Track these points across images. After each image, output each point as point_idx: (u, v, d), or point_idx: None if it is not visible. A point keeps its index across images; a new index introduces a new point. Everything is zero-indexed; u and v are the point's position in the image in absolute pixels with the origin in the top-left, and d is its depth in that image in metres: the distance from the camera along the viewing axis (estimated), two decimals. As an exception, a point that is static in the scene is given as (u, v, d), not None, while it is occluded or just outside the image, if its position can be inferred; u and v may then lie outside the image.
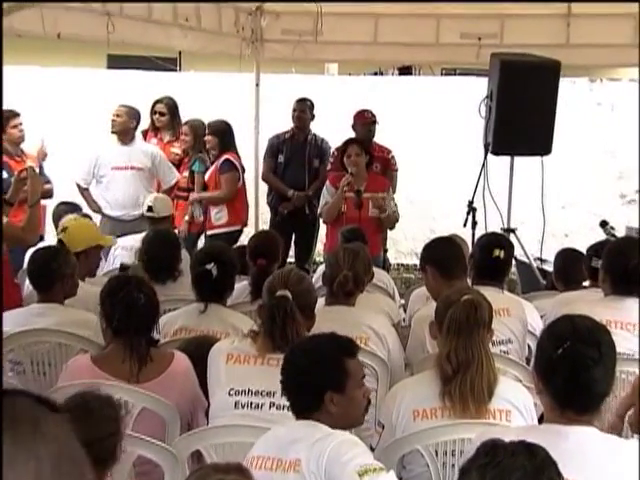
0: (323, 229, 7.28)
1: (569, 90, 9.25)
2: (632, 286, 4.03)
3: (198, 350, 3.55)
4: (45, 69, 10.26)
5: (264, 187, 8.29)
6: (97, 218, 6.93)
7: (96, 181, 7.27)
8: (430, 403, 3.09)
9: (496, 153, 6.91)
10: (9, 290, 4.49)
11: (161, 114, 7.76)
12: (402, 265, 10.31)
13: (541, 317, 4.56)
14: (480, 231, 6.34)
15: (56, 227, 5.98)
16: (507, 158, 7.17)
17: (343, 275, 4.05)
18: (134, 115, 7.27)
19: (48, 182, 6.96)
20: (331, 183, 6.68)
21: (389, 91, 10.46)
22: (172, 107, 7.80)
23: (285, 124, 8.00)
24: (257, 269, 4.80)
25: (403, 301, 5.59)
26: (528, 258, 6.98)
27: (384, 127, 7.89)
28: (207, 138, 7.31)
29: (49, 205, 6.68)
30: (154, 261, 4.93)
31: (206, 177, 7.35)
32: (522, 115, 6.68)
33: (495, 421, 3.03)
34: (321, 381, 2.70)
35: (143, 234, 5.51)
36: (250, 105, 8.62)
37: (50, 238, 6.17)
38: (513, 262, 5.18)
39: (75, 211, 6.10)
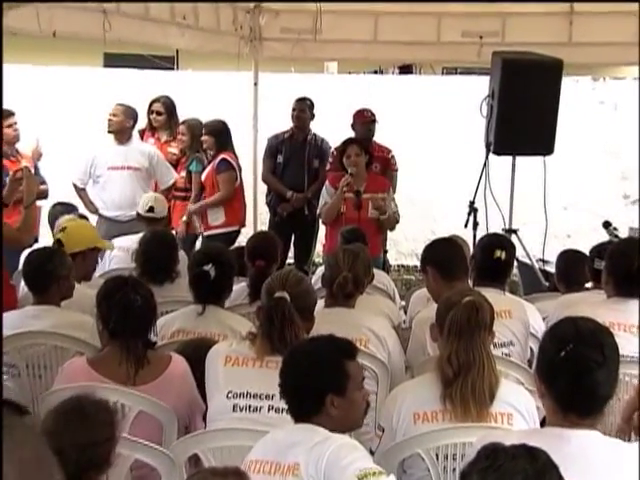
0: (322, 230, 7.28)
1: (571, 89, 9.25)
2: (635, 288, 4.03)
3: (196, 352, 3.55)
4: (40, 68, 10.26)
5: (262, 187, 8.29)
6: (93, 219, 6.92)
7: (93, 181, 7.27)
8: (431, 406, 3.09)
9: (498, 153, 6.91)
10: (4, 292, 4.49)
11: (158, 113, 7.76)
12: (402, 266, 10.31)
13: (543, 319, 4.56)
14: (481, 232, 6.34)
15: (52, 228, 5.98)
16: (509, 158, 7.17)
17: (343, 276, 4.05)
18: (131, 114, 7.27)
19: (43, 183, 6.96)
20: (330, 183, 6.68)
21: (389, 90, 10.47)
22: (169, 106, 7.80)
23: (284, 124, 8.00)
24: (255, 270, 4.81)
25: (403, 303, 5.59)
26: (530, 259, 6.99)
27: (384, 126, 7.89)
28: (204, 138, 7.31)
29: (44, 206, 6.69)
30: (151, 262, 4.93)
31: (203, 177, 7.35)
32: (524, 114, 6.69)
33: (497, 424, 3.03)
34: (322, 384, 2.71)
35: (139, 235, 5.51)
36: (248, 104, 8.62)
37: (45, 239, 6.17)
38: (515, 263, 5.19)
39: (71, 212, 6.10)
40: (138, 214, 6.39)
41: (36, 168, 6.94)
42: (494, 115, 6.74)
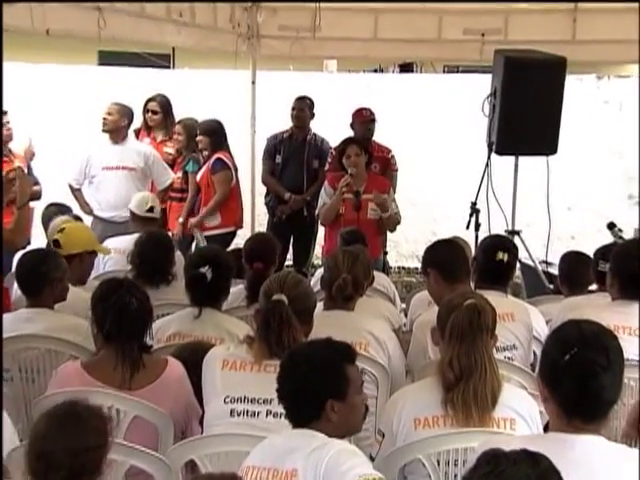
0: (322, 231, 7.28)
1: (575, 88, 9.26)
2: (641, 290, 4.04)
3: (192, 356, 3.55)
4: (33, 66, 10.25)
5: (260, 188, 8.30)
6: (87, 220, 6.91)
7: (88, 182, 7.27)
8: (432, 411, 3.09)
9: (500, 153, 6.92)
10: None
11: (154, 112, 7.76)
12: (403, 268, 10.31)
13: (547, 322, 4.56)
14: (483, 233, 6.34)
15: (45, 229, 5.98)
16: (511, 158, 7.18)
17: (342, 279, 4.05)
18: (126, 113, 7.27)
19: (36, 183, 6.95)
20: (329, 184, 6.67)
21: (389, 89, 10.47)
22: (165, 105, 7.79)
23: (282, 123, 7.99)
24: (253, 273, 4.81)
25: (404, 305, 5.59)
26: (533, 261, 6.99)
27: (384, 126, 7.89)
28: (199, 138, 7.30)
29: (37, 207, 6.68)
30: (147, 264, 4.93)
31: (198, 178, 7.35)
32: (527, 114, 6.69)
33: (499, 430, 3.03)
34: (322, 389, 2.71)
35: (134, 236, 5.51)
36: (246, 103, 8.62)
37: (39, 241, 6.17)
38: (517, 265, 5.19)
39: (65, 213, 6.10)
40: (134, 214, 6.33)
41: (29, 168, 6.94)
42: (496, 114, 6.75)
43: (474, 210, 6.77)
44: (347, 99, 8.85)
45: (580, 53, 7.81)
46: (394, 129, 8.78)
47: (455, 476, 3.04)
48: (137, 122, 7.68)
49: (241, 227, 7.62)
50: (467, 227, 6.78)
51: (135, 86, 9.20)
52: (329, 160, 7.52)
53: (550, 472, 1.94)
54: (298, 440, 2.66)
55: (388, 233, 7.18)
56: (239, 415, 3.21)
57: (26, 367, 4.06)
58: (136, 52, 10.62)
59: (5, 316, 4.22)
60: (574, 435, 2.42)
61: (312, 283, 4.98)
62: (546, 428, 2.83)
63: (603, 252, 4.69)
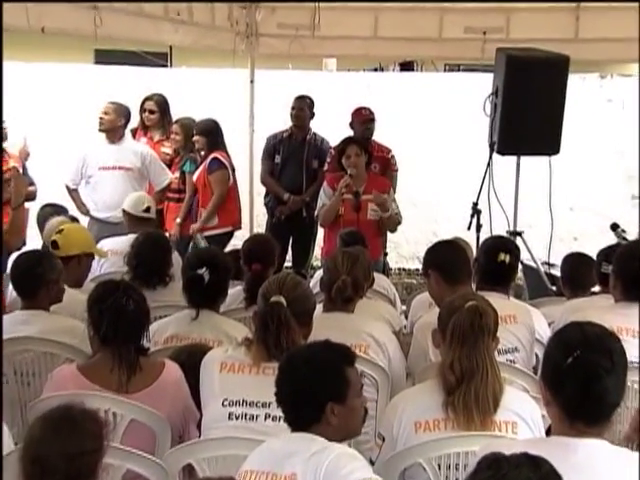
0: (321, 232, 7.28)
1: (578, 86, 9.26)
2: (644, 292, 4.04)
3: (190, 359, 3.56)
4: (29, 64, 10.26)
5: (259, 188, 8.30)
6: (83, 221, 6.91)
7: (85, 182, 7.27)
8: (433, 414, 3.09)
9: (502, 153, 6.92)
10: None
11: (151, 112, 7.76)
12: (403, 270, 10.31)
13: (549, 324, 4.56)
14: (485, 234, 6.35)
15: (41, 230, 5.98)
16: (513, 158, 7.18)
17: (342, 280, 4.05)
18: (123, 113, 7.27)
19: (32, 183, 6.95)
20: (328, 184, 6.67)
21: (390, 88, 10.47)
22: (162, 105, 7.79)
23: (281, 123, 8.00)
24: (252, 274, 4.81)
25: (404, 307, 5.59)
26: (535, 262, 6.99)
27: (384, 125, 7.89)
28: (195, 138, 7.30)
29: (33, 208, 6.68)
30: (144, 265, 4.93)
31: (194, 178, 7.34)
32: (529, 113, 6.70)
33: (501, 433, 3.04)
34: (322, 392, 2.71)
35: (130, 237, 5.51)
36: (244, 103, 8.62)
37: (34, 242, 6.16)
38: (519, 267, 5.19)
39: (61, 213, 6.11)
40: (130, 215, 6.29)
41: (24, 168, 6.94)
42: (498, 114, 6.75)
43: (475, 211, 6.77)
44: (347, 98, 8.85)
45: (583, 51, 7.81)
46: (394, 129, 8.78)
47: (456, 480, 3.05)
48: (134, 122, 7.68)
49: (240, 228, 7.62)
50: (468, 228, 6.78)
51: (132, 85, 9.21)
52: (328, 160, 7.52)
53: (551, 476, 1.94)
54: (297, 444, 2.66)
55: (388, 234, 7.18)
56: (237, 418, 3.21)
57: (21, 370, 4.06)
58: (133, 50, 10.60)
59: (0, 318, 4.23)
60: (577, 439, 2.42)
61: (311, 285, 4.98)
62: (548, 432, 2.83)
63: (606, 253, 4.70)
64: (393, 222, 6.69)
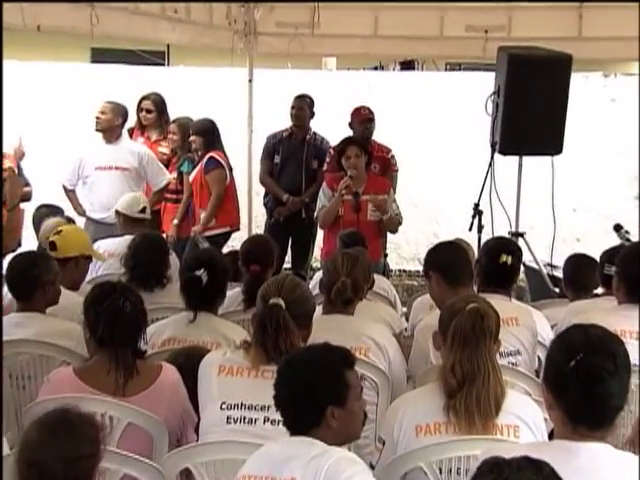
0: (321, 233, 7.28)
1: (581, 86, 9.27)
2: (648, 294, 4.04)
3: (188, 362, 3.56)
4: (24, 63, 10.26)
5: (258, 189, 8.30)
6: (79, 222, 6.91)
7: (82, 182, 7.27)
8: (434, 418, 3.09)
9: (504, 153, 6.92)
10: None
11: (148, 111, 7.76)
12: (404, 271, 10.32)
13: (552, 327, 4.56)
14: (486, 235, 6.36)
15: (36, 231, 5.98)
16: (515, 158, 7.18)
17: (341, 282, 4.06)
18: (120, 112, 7.27)
19: (27, 184, 6.95)
20: (328, 185, 6.67)
21: (390, 87, 10.48)
22: (159, 104, 7.79)
23: (280, 122, 8.00)
24: (250, 276, 4.81)
25: (405, 310, 5.60)
26: (538, 264, 7.00)
27: (384, 125, 7.89)
28: (192, 138, 7.30)
29: (28, 208, 6.68)
30: (141, 267, 4.93)
31: (190, 178, 7.34)
32: (531, 112, 6.70)
33: (503, 437, 3.04)
34: (322, 395, 2.71)
35: (126, 238, 5.51)
36: (243, 102, 8.62)
37: (30, 243, 6.16)
38: (522, 268, 5.19)
39: (57, 214, 6.10)
40: (125, 216, 6.27)
41: (19, 168, 6.93)
42: (500, 113, 6.76)
43: (477, 211, 6.77)
44: (347, 98, 8.86)
45: (586, 50, 7.82)
46: (394, 128, 8.78)
47: (457, 484, 3.05)
48: (131, 121, 7.68)
49: (238, 229, 7.61)
50: (470, 229, 6.78)
51: (129, 84, 9.21)
52: (327, 160, 7.52)
53: (552, 478, 1.95)
54: (296, 448, 2.66)
55: (389, 235, 7.18)
56: (236, 422, 3.21)
57: (17, 373, 4.06)
58: (130, 49, 10.64)
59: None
60: (580, 442, 2.42)
61: (311, 286, 4.97)
62: (551, 435, 2.83)
63: (609, 255, 4.70)
64: (393, 223, 6.69)
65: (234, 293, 4.82)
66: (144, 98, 7.81)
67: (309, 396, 2.70)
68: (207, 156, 7.25)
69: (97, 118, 7.21)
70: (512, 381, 3.69)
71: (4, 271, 4.46)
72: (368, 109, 7.59)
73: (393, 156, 7.63)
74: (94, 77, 10.10)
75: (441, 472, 3.05)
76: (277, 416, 2.90)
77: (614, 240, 6.48)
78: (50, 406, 2.73)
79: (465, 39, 8.11)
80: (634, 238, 6.65)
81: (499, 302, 3.71)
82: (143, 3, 7.05)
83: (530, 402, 3.22)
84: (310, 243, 7.93)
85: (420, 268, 6.87)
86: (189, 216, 7.44)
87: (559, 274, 6.16)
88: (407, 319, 5.21)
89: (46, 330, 4.14)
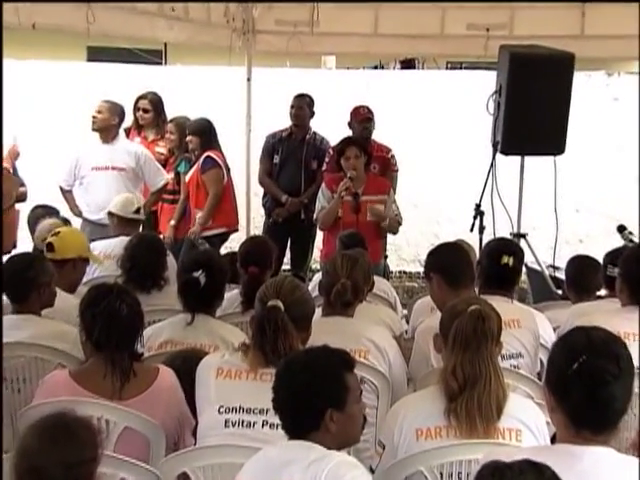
0: (320, 234, 7.29)
1: (584, 85, 9.27)
2: (652, 296, 4.04)
3: (185, 364, 3.56)
4: (19, 62, 10.26)
5: (256, 189, 8.30)
6: (76, 223, 6.91)
7: (79, 183, 7.26)
8: (434, 421, 3.09)
9: (505, 153, 6.93)
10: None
11: (145, 111, 7.76)
12: (404, 273, 10.32)
13: (554, 329, 4.56)
14: (488, 236, 6.36)
15: (32, 232, 5.98)
16: (517, 158, 7.19)
17: (341, 284, 4.06)
18: (117, 111, 7.26)
19: (22, 184, 6.95)
20: (327, 186, 6.67)
21: (390, 86, 10.48)
22: (157, 103, 7.80)
23: (278, 122, 7.99)
24: (249, 277, 4.81)
25: (405, 312, 5.60)
26: (540, 265, 7.00)
27: (384, 125, 7.89)
28: (188, 139, 7.30)
29: (23, 209, 6.69)
30: (138, 269, 4.93)
31: (187, 178, 7.34)
32: (533, 112, 6.70)
33: (504, 441, 3.04)
34: (322, 398, 2.70)
35: (122, 239, 5.51)
36: (241, 101, 8.62)
37: (25, 244, 6.17)
38: (524, 270, 5.20)
39: (53, 215, 6.10)
40: (119, 217, 6.24)
41: (14, 168, 6.94)
42: (501, 112, 6.76)
43: (478, 212, 6.77)
44: (346, 97, 8.86)
45: (589, 49, 7.82)
46: (395, 128, 8.78)
47: (459, 489, 3.05)
48: (128, 121, 7.68)
49: (236, 230, 7.61)
50: (471, 230, 6.78)
51: (125, 83, 9.21)
52: (327, 160, 7.51)
53: (554, 480, 1.96)
54: (295, 452, 2.66)
55: (389, 236, 7.18)
56: (234, 426, 3.21)
57: (12, 376, 4.05)
58: (126, 48, 10.64)
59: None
60: (583, 447, 2.42)
61: (310, 288, 4.98)
62: (553, 439, 2.84)
63: (613, 256, 4.70)
64: (392, 227, 6.71)
65: (232, 295, 4.83)
66: (141, 97, 7.81)
67: (308, 399, 2.70)
68: (204, 155, 7.25)
69: (93, 118, 7.20)
70: (514, 384, 3.70)
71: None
72: (367, 108, 7.58)
73: (393, 156, 7.62)
74: (90, 76, 10.09)
75: (442, 476, 3.05)
76: (276, 420, 2.90)
77: (617, 241, 6.48)
78: (46, 410, 2.73)
79: (466, 37, 8.11)
80: (638, 239, 6.66)
81: (501, 304, 3.71)
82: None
83: (532, 405, 3.22)
84: (309, 244, 7.93)
85: (421, 269, 6.87)
86: (186, 217, 7.43)
87: (562, 276, 6.16)
88: (407, 321, 5.22)
89: (41, 332, 4.14)
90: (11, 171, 6.13)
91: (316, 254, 8.02)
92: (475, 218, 6.78)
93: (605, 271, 4.74)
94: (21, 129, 7.81)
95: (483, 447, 2.90)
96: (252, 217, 8.69)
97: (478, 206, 6.79)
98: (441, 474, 3.05)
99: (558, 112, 6.81)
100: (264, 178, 7.93)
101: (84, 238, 5.37)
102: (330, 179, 6.76)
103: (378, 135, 7.66)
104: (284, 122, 7.91)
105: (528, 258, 6.11)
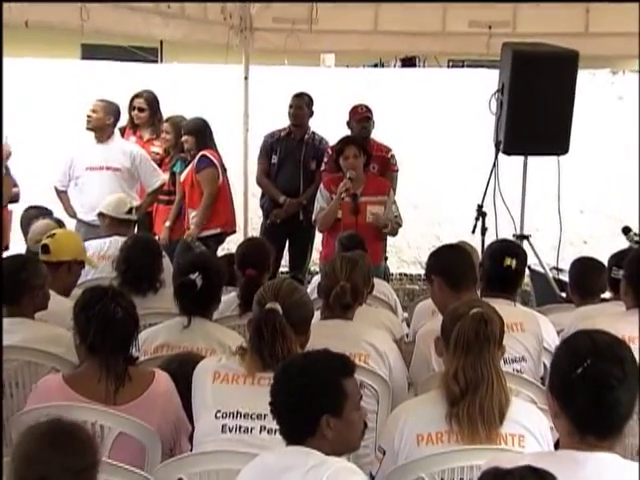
0: (319, 236, 7.28)
1: (588, 83, 9.28)
2: (657, 299, 4.04)
3: (181, 368, 3.55)
4: (12, 60, 10.25)
5: (253, 189, 8.30)
6: (70, 224, 6.91)
7: (74, 183, 7.26)
8: (436, 427, 3.09)
9: (508, 152, 6.92)
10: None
11: (140, 110, 7.76)
12: (405, 275, 10.33)
13: (558, 332, 4.56)
14: (490, 238, 6.35)
15: (24, 233, 5.98)
16: (520, 158, 7.19)
17: (340, 286, 4.06)
18: (112, 110, 7.26)
19: (15, 185, 6.95)
20: (325, 187, 6.67)
21: (390, 84, 10.48)
22: (152, 102, 7.80)
23: (276, 121, 8.00)
24: (246, 280, 4.81)
25: (406, 315, 5.60)
26: (543, 267, 7.00)
27: (384, 124, 7.90)
28: (184, 138, 7.30)
29: (16, 209, 6.68)
30: (133, 271, 4.93)
31: (182, 178, 7.34)
32: (536, 111, 6.70)
33: (507, 447, 3.03)
34: (317, 404, 2.70)
35: (116, 239, 5.50)
36: (238, 100, 8.63)
37: (18, 245, 6.17)
38: (527, 272, 5.20)
39: (46, 216, 6.10)
40: (112, 217, 6.22)
41: (6, 169, 6.93)
42: (504, 111, 6.76)
43: (480, 213, 6.77)
44: (345, 96, 8.86)
45: (593, 46, 7.83)
46: (395, 127, 8.80)
47: (460, 495, 3.05)
48: (123, 120, 7.68)
49: (233, 232, 7.61)
50: (473, 231, 6.78)
51: (120, 82, 9.22)
52: (325, 160, 7.51)
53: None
54: (293, 458, 2.65)
55: (389, 238, 7.18)
56: (231, 431, 3.21)
57: (4, 381, 4.05)
58: (121, 45, 10.64)
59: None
60: (587, 452, 2.41)
61: (309, 291, 4.97)
62: (557, 445, 2.83)
63: (617, 258, 4.70)
64: (392, 229, 6.70)
65: (229, 298, 4.83)
66: (136, 96, 7.81)
67: (303, 404, 2.69)
68: (199, 155, 7.24)
69: (88, 117, 7.20)
70: (517, 388, 3.70)
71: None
72: (366, 107, 7.57)
73: (393, 156, 7.62)
74: (84, 74, 10.10)
75: (443, 483, 3.06)
76: (274, 425, 2.90)
77: (622, 243, 6.48)
78: (39, 415, 2.72)
79: (468, 35, 8.12)
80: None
81: (503, 307, 3.71)
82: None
83: (535, 410, 3.22)
84: (308, 246, 7.93)
85: (421, 272, 6.89)
86: (182, 218, 7.43)
87: (565, 278, 6.16)
88: (408, 324, 5.22)
89: (35, 336, 4.13)
90: (3, 171, 6.12)
91: (315, 256, 8.02)
92: (477, 219, 6.78)
93: (610, 273, 4.73)
94: (14, 128, 7.81)
95: (485, 453, 2.90)
96: (250, 218, 8.70)
97: (480, 207, 6.79)
98: (442, 480, 3.06)
99: (562, 111, 6.81)
100: (262, 178, 7.92)
101: (80, 241, 5.37)
102: (329, 180, 6.76)
103: (378, 134, 7.66)
104: (282, 121, 7.91)
105: (531, 260, 6.11)
